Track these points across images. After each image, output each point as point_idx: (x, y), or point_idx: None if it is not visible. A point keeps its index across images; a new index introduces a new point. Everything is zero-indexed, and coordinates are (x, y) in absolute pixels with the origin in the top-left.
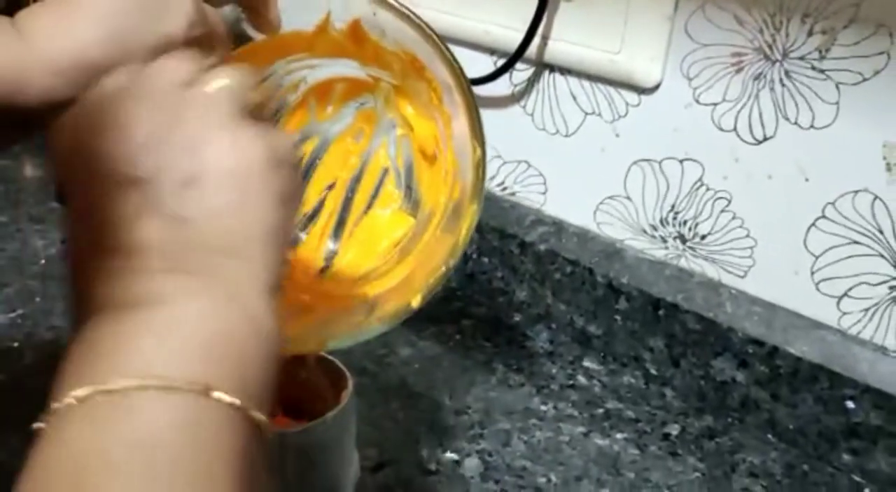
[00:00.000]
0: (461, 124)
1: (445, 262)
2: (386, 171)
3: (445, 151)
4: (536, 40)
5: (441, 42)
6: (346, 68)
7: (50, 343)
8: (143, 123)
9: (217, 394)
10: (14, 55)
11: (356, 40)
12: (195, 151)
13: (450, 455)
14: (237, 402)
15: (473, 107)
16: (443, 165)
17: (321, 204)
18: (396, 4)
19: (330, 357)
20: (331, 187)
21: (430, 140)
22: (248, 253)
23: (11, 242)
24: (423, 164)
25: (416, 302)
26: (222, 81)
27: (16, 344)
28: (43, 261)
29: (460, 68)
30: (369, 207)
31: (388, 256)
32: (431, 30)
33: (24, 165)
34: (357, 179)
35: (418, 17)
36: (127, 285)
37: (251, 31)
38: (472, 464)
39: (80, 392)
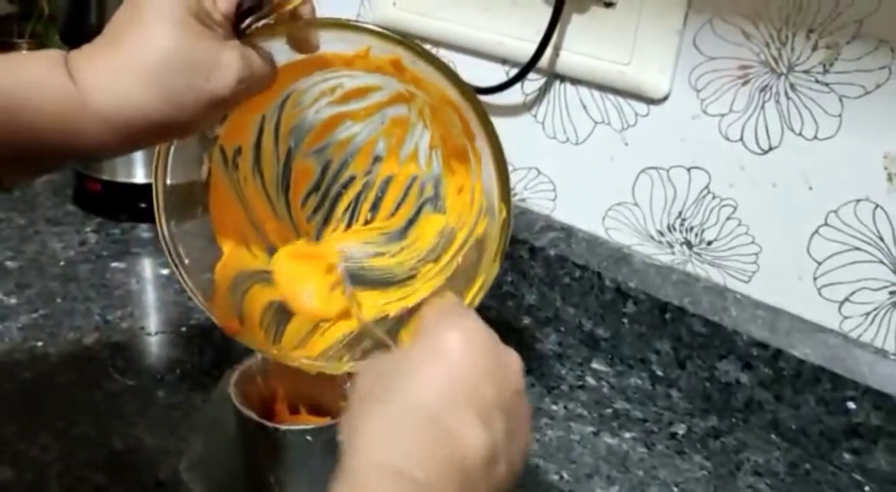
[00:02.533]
0: (489, 171)
1: (471, 300)
2: (415, 178)
3: (474, 184)
4: (548, 51)
5: (474, 95)
6: (383, 81)
7: (72, 342)
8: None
9: None
10: (73, 109)
11: (396, 68)
12: (527, 419)
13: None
14: None
15: (504, 166)
16: (469, 196)
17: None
18: (436, 58)
19: None
20: (347, 185)
21: (459, 167)
22: None
23: (30, 245)
24: (450, 182)
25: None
26: None
27: (39, 344)
28: (62, 263)
29: (491, 124)
30: (395, 210)
31: (414, 268)
32: (465, 84)
33: None
34: (387, 181)
35: (454, 72)
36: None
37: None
38: None
39: None
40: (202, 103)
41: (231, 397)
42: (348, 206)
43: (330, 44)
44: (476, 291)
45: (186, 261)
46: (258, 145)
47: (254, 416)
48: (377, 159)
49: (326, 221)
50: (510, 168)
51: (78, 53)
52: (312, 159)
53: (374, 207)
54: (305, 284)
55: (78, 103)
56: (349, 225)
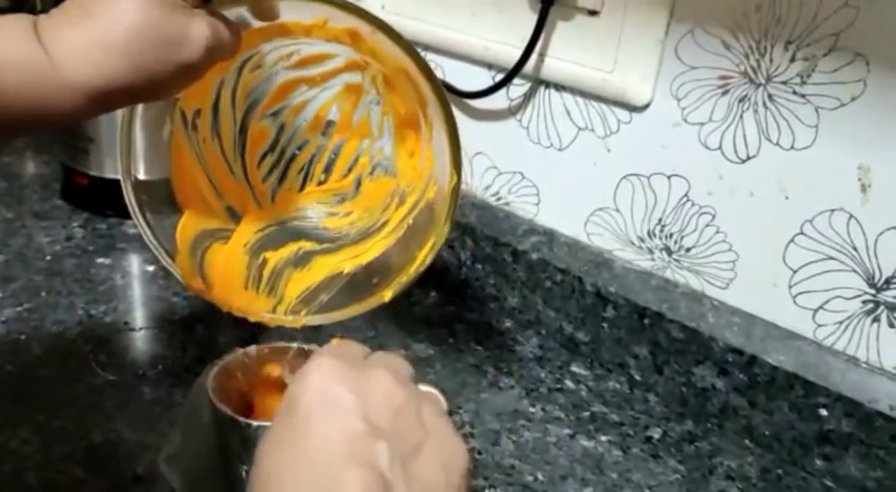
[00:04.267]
0: (441, 138)
1: (415, 267)
2: (367, 142)
3: (424, 150)
4: (534, 57)
5: (429, 69)
6: (340, 50)
7: (55, 336)
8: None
9: None
10: (46, 79)
11: (353, 38)
12: (423, 427)
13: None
14: None
15: (455, 134)
16: (420, 162)
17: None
18: (393, 30)
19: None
20: (301, 147)
21: (410, 133)
22: None
23: (16, 238)
24: (401, 148)
25: (387, 296)
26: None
27: (23, 337)
28: (48, 257)
29: (445, 96)
30: (347, 173)
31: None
32: (421, 57)
33: (28, 162)
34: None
35: (411, 45)
36: None
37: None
38: None
39: None
40: (173, 72)
41: (208, 390)
42: (302, 167)
43: (290, 14)
44: (427, 252)
45: (152, 222)
46: (216, 108)
47: (228, 410)
48: (330, 123)
49: (281, 181)
50: (496, 171)
51: (48, 21)
52: (268, 122)
53: (327, 170)
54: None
55: (50, 75)
56: (303, 186)
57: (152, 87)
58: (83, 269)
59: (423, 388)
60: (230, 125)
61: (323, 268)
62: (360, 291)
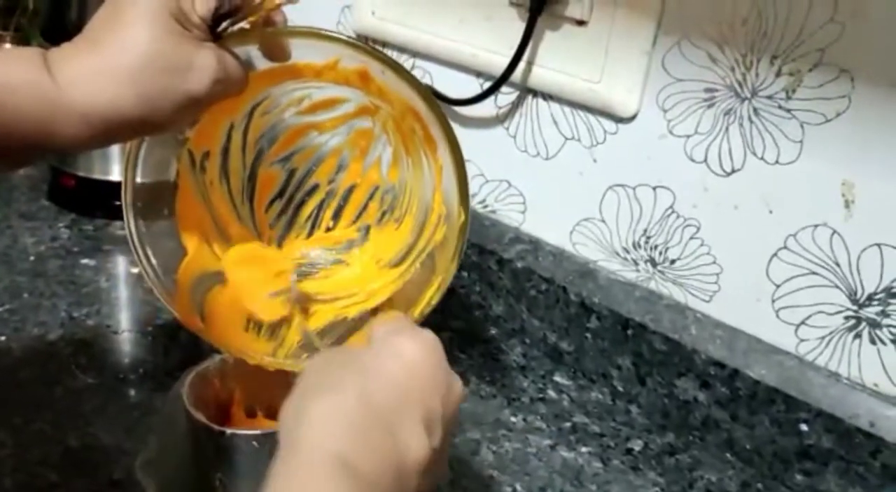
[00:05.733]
0: (450, 179)
1: (421, 309)
2: (377, 188)
3: (434, 194)
4: (521, 66)
5: (437, 105)
6: (350, 94)
7: (37, 338)
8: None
9: None
10: (50, 105)
11: (363, 79)
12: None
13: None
14: None
15: (463, 171)
16: (429, 207)
17: (313, 209)
18: (403, 68)
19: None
20: (311, 192)
21: (419, 178)
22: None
23: (1, 239)
24: (410, 194)
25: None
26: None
27: (3, 338)
28: (32, 258)
29: (452, 132)
30: (357, 218)
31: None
32: (429, 94)
33: None
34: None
35: (420, 82)
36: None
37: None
38: None
39: None
40: (178, 103)
41: (183, 397)
42: (311, 213)
43: (301, 52)
44: (434, 291)
45: (153, 260)
46: (226, 151)
47: (202, 418)
48: (341, 168)
49: (289, 227)
50: (483, 179)
51: (58, 52)
52: (278, 167)
53: (336, 216)
54: (252, 287)
55: (56, 100)
56: (311, 233)
57: (157, 117)
58: (67, 270)
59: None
60: (239, 169)
61: (326, 314)
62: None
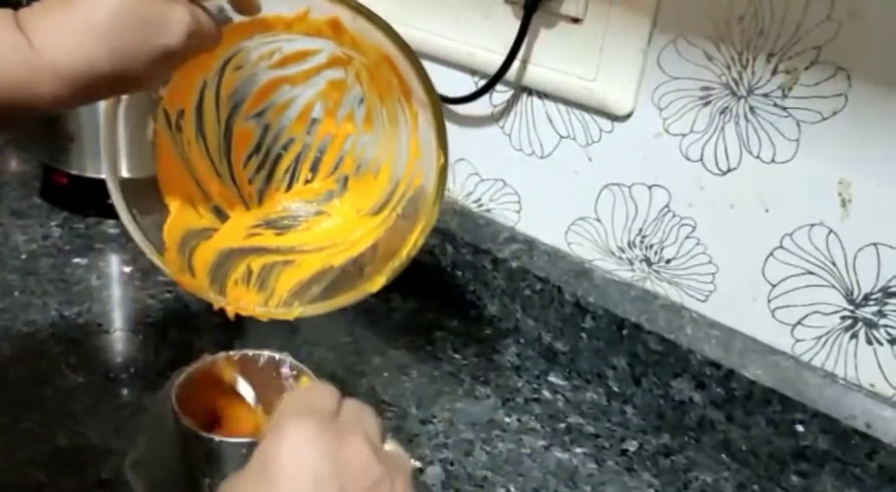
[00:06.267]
0: (426, 122)
1: (407, 251)
2: (352, 138)
3: (410, 140)
4: (516, 64)
5: (411, 50)
6: (322, 45)
7: (26, 337)
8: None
9: None
10: (27, 65)
11: (335, 29)
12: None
13: (413, 463)
14: None
15: (440, 114)
16: (406, 152)
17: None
18: (375, 15)
19: (302, 366)
20: (287, 146)
21: (395, 126)
22: None
23: None
24: (386, 142)
25: (380, 282)
26: (401, 454)
27: None
28: (24, 256)
29: (428, 77)
30: (335, 169)
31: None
32: (403, 40)
33: (9, 160)
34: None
35: (393, 29)
36: None
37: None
38: (434, 472)
39: None
40: (153, 58)
41: (171, 400)
42: (288, 167)
43: (271, 4)
44: (418, 234)
45: (139, 219)
46: (200, 109)
47: (190, 423)
48: (315, 121)
49: (268, 181)
50: (477, 178)
51: (29, 11)
52: (252, 122)
53: (314, 168)
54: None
55: (31, 60)
56: (290, 185)
57: (133, 72)
58: (58, 269)
59: (391, 448)
60: (214, 126)
61: (313, 263)
62: (353, 279)
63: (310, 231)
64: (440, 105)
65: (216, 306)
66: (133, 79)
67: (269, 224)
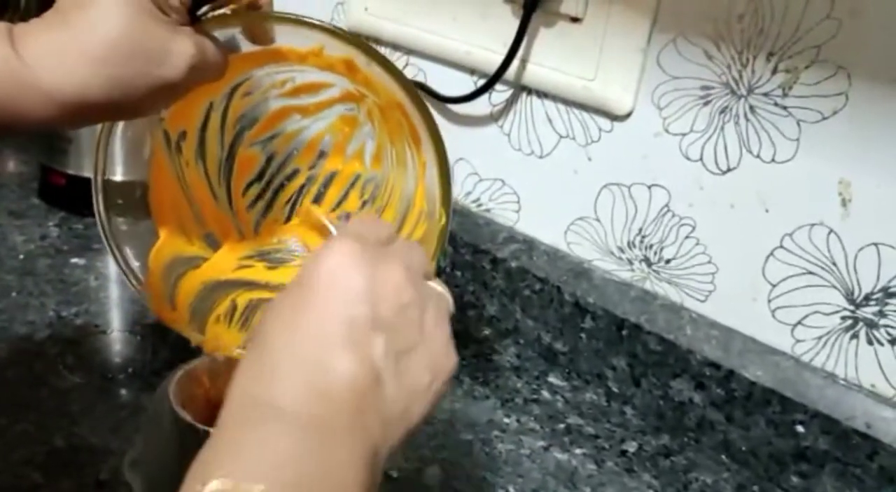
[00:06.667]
0: (433, 176)
1: None
2: (358, 176)
3: (416, 188)
4: (515, 63)
5: (424, 105)
6: (335, 79)
7: (24, 338)
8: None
9: None
10: (14, 80)
11: (348, 68)
12: (423, 330)
13: (412, 463)
14: None
15: (447, 173)
16: (411, 200)
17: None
18: (390, 62)
19: None
20: (290, 177)
21: (402, 170)
22: (390, 432)
23: None
24: (393, 184)
25: None
26: (443, 291)
27: None
28: (21, 256)
29: (439, 133)
30: (337, 206)
31: None
32: (417, 93)
33: (7, 161)
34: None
35: (407, 79)
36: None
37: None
38: (433, 472)
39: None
40: (152, 89)
41: (169, 396)
42: (290, 198)
43: (285, 37)
44: None
45: (126, 249)
46: (203, 131)
47: (187, 417)
48: (322, 154)
49: (266, 211)
50: (476, 178)
51: (25, 27)
52: (257, 149)
53: (316, 202)
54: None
55: (20, 77)
56: (289, 218)
57: (129, 102)
58: (56, 269)
59: (434, 285)
60: (217, 150)
61: None
62: None
63: None
64: (449, 164)
65: (193, 343)
66: (129, 108)
67: (262, 256)
